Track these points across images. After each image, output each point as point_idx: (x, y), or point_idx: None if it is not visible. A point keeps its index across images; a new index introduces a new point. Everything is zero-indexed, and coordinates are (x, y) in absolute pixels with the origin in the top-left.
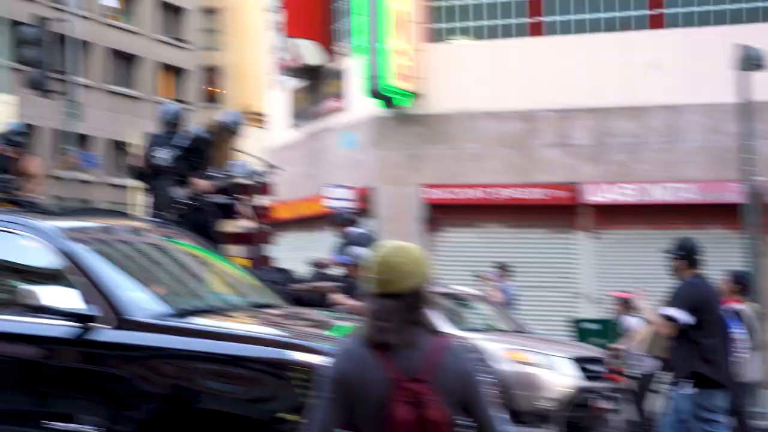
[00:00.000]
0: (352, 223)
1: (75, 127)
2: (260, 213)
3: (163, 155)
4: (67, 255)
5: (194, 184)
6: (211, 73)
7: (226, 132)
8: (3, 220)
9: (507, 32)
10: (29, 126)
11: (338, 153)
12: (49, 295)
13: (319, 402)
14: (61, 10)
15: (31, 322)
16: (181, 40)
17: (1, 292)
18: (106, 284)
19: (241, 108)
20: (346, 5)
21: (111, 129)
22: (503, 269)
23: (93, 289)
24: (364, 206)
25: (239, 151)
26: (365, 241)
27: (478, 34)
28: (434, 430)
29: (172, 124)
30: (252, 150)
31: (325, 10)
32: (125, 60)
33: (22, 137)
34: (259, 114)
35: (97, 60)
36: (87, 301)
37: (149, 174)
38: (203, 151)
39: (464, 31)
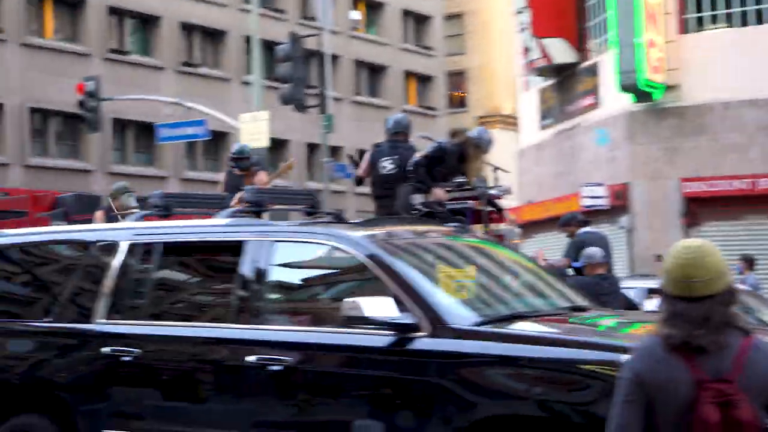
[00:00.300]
0: (584, 224)
1: (327, 139)
2: (495, 218)
3: (389, 164)
4: (380, 264)
5: (433, 193)
6: (457, 78)
7: (474, 148)
8: (313, 232)
9: (760, 18)
10: (279, 141)
11: (590, 150)
12: (372, 305)
13: (618, 404)
14: (312, 27)
15: (348, 332)
16: (426, 48)
17: (318, 304)
18: (422, 292)
19: (489, 111)
20: (595, 1)
21: (358, 139)
22: (747, 262)
23: (409, 297)
24: (619, 203)
25: (488, 165)
26: (597, 241)
27: (730, 21)
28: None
29: (397, 133)
30: (498, 154)
31: (573, 8)
32: (372, 70)
33: (246, 159)
34: (508, 116)
35: (345, 72)
36: (402, 310)
37: (377, 182)
38: (446, 162)
39: (715, 20)
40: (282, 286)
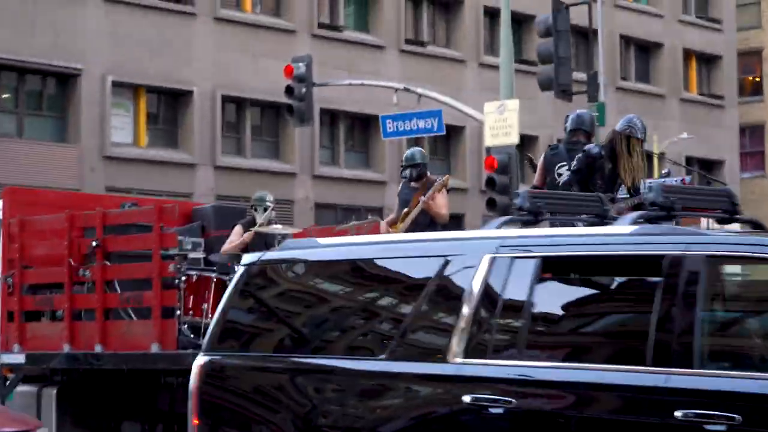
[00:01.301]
0: None
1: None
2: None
3: (565, 171)
4: None
5: None
6: (750, 58)
7: (624, 141)
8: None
9: None
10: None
11: None
12: None
13: None
14: None
15: None
16: (711, 20)
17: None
18: None
19: None
20: None
21: None
22: None
23: None
24: None
25: (654, 155)
26: None
27: None
28: None
29: (575, 131)
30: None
31: None
32: (641, 49)
33: (416, 166)
34: None
35: (608, 51)
36: None
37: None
38: (600, 169)
39: None
40: (732, 320)
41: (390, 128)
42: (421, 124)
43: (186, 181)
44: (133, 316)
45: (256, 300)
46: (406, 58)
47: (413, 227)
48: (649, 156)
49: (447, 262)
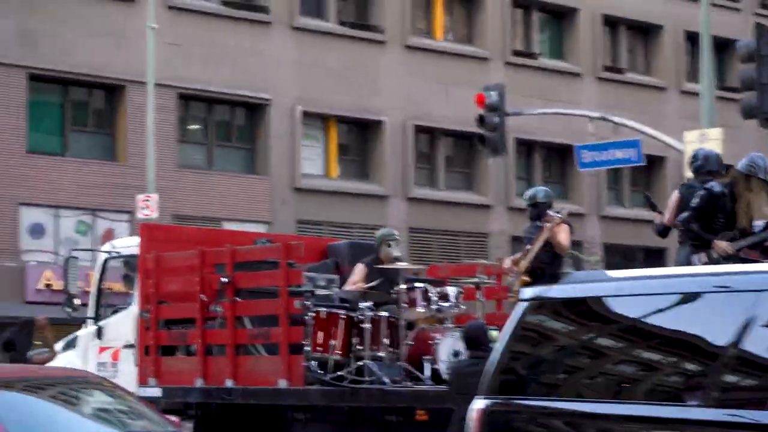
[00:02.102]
0: None
1: None
2: None
3: (685, 213)
4: None
5: (716, 248)
6: None
7: (743, 181)
8: None
9: None
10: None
11: None
12: None
13: None
14: None
15: None
16: None
17: None
18: None
19: None
20: None
21: None
22: None
23: None
24: None
25: None
26: None
27: None
28: None
29: (708, 171)
30: None
31: None
32: None
33: (536, 205)
34: None
35: None
36: None
37: (686, 232)
38: (723, 208)
39: None
40: None
41: (586, 159)
42: (619, 154)
43: (377, 213)
44: (262, 351)
45: (541, 338)
46: (603, 85)
47: (537, 264)
48: None
49: None
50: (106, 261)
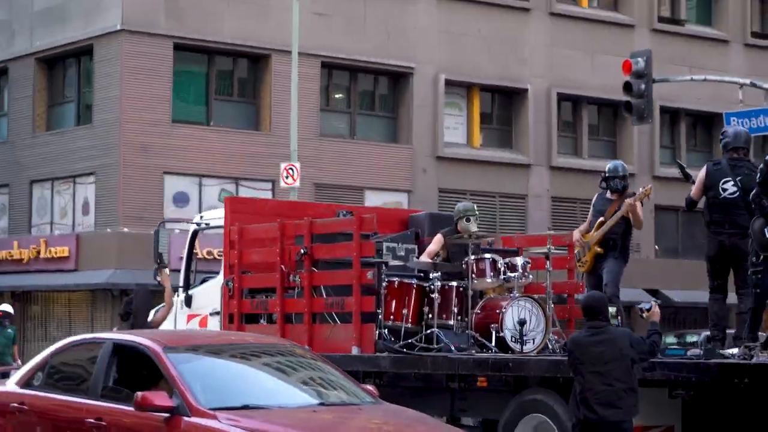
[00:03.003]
0: None
1: None
2: None
3: (731, 187)
4: None
5: None
6: None
7: None
8: None
9: None
10: None
11: None
12: None
13: None
14: None
15: None
16: None
17: None
18: None
19: None
20: None
21: None
22: None
23: None
24: None
25: None
26: None
27: None
28: None
29: (736, 148)
30: None
31: None
32: None
33: (619, 178)
34: None
35: None
36: None
37: (714, 207)
38: None
39: None
40: None
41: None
42: None
43: (520, 181)
44: (337, 320)
45: None
46: (752, 52)
47: (610, 235)
48: None
49: None
50: (195, 232)
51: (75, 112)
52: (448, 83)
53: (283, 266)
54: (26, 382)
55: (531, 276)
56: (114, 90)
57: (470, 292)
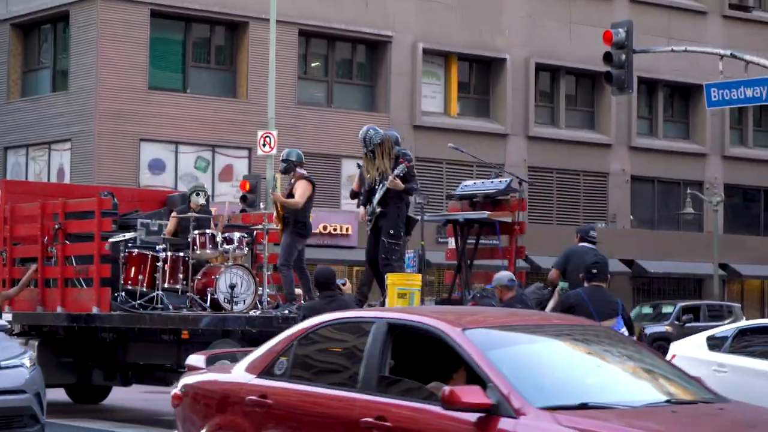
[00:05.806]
0: (586, 238)
1: None
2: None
3: None
4: None
5: None
6: None
7: None
8: None
9: None
10: None
11: None
12: None
13: None
14: None
15: None
16: None
17: None
18: None
19: None
20: None
21: None
22: None
23: None
24: None
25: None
26: (581, 257)
27: None
28: None
29: None
30: None
31: None
32: None
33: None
34: None
35: None
36: None
37: None
38: None
39: None
40: None
41: (714, 97)
42: (749, 92)
43: (497, 151)
44: (83, 284)
45: None
46: (730, 23)
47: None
48: None
49: None
50: None
51: (50, 78)
52: (426, 52)
53: (45, 239)
54: (265, 371)
55: (248, 248)
56: (90, 56)
57: (191, 261)
